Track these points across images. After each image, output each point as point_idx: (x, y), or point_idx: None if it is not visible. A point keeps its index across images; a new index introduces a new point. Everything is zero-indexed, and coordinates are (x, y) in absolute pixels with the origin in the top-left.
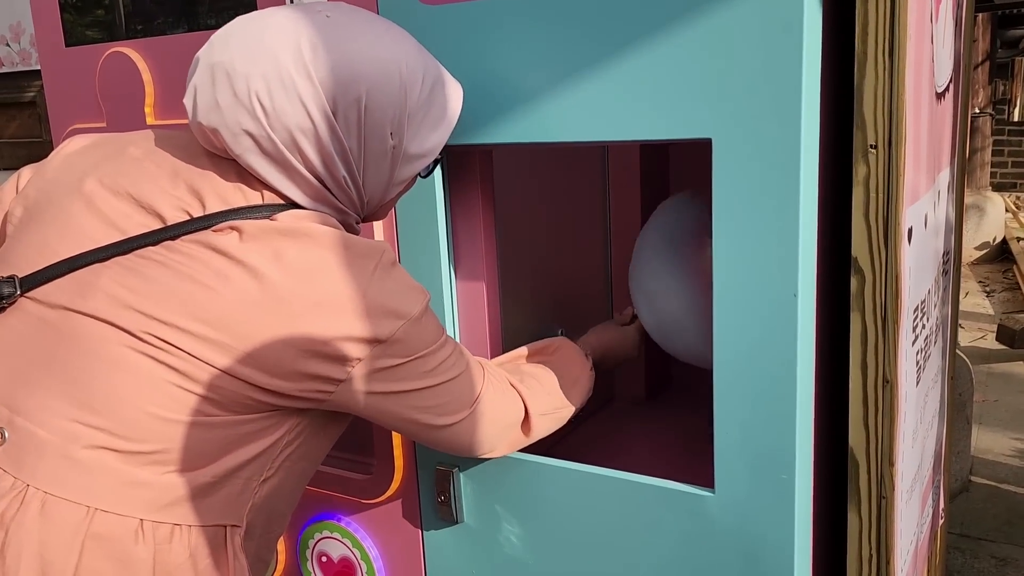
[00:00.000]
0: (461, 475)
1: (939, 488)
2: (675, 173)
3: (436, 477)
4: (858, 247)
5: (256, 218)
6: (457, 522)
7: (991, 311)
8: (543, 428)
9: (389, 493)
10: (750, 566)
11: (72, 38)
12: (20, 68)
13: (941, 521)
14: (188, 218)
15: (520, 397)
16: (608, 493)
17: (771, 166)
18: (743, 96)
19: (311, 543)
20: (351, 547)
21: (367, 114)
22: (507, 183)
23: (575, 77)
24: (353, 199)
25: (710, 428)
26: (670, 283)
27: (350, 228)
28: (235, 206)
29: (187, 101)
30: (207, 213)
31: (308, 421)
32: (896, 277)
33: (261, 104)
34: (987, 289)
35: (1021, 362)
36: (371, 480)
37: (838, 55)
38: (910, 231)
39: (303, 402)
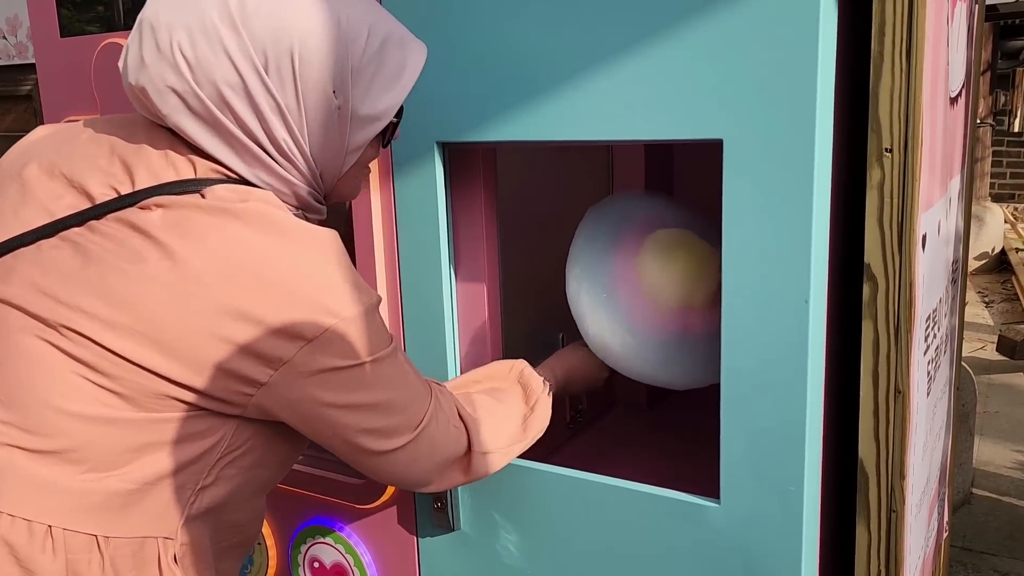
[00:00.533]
0: None
1: (944, 501)
2: (680, 175)
3: None
4: (871, 253)
5: (185, 193)
6: (454, 529)
7: (990, 322)
8: (484, 468)
9: (384, 498)
10: None
11: (68, 32)
12: (16, 61)
13: (945, 534)
14: (116, 195)
15: (466, 431)
16: (609, 502)
17: (784, 169)
18: (756, 96)
19: (303, 548)
20: (344, 553)
21: (302, 67)
22: (510, 183)
23: (583, 74)
24: (302, 169)
25: (715, 437)
26: (597, 306)
27: (309, 206)
28: (165, 181)
29: (120, 63)
30: (135, 190)
31: (256, 428)
32: (910, 284)
33: (184, 57)
34: (986, 299)
35: (1022, 373)
36: (366, 484)
37: (852, 55)
38: (924, 238)
39: (226, 405)
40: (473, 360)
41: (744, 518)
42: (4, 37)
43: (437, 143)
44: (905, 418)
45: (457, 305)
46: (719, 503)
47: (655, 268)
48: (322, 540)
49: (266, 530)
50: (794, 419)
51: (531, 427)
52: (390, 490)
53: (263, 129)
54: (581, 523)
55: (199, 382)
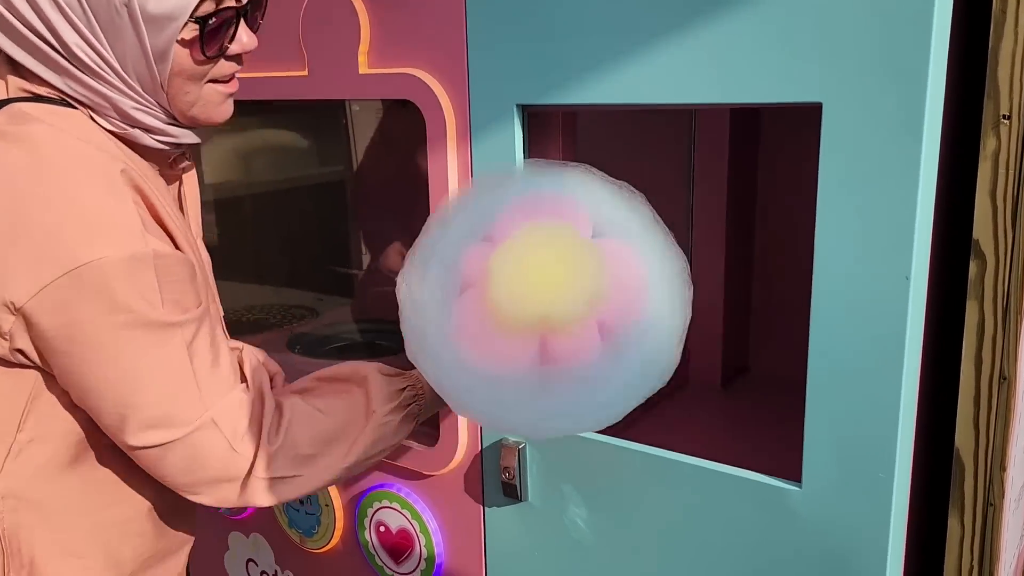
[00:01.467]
0: (528, 452)
1: None
2: (766, 141)
3: (502, 452)
4: (980, 228)
5: None
6: (521, 500)
7: None
8: (269, 496)
9: (452, 466)
10: (837, 569)
11: None
12: None
13: None
14: None
15: (252, 458)
16: (684, 480)
17: (889, 136)
18: (860, 55)
19: (369, 512)
20: (410, 519)
21: None
22: (587, 147)
23: (669, 32)
24: (111, 80)
25: (795, 417)
26: (425, 317)
27: (150, 126)
28: None
29: None
30: None
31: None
32: (1022, 263)
33: None
34: None
35: None
36: (434, 451)
37: (967, 12)
38: None
39: None
40: None
41: (827, 504)
42: None
43: (516, 105)
44: (1009, 406)
45: None
46: (800, 487)
47: (509, 273)
48: (388, 505)
49: (333, 492)
50: (887, 402)
51: (358, 447)
52: (458, 458)
53: (46, 27)
54: (652, 501)
55: None
